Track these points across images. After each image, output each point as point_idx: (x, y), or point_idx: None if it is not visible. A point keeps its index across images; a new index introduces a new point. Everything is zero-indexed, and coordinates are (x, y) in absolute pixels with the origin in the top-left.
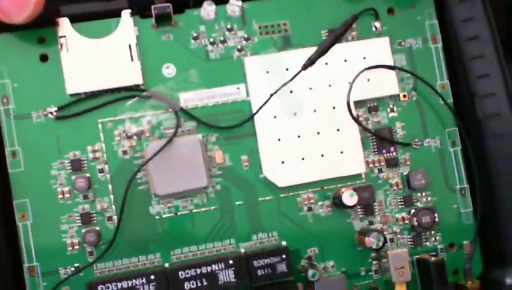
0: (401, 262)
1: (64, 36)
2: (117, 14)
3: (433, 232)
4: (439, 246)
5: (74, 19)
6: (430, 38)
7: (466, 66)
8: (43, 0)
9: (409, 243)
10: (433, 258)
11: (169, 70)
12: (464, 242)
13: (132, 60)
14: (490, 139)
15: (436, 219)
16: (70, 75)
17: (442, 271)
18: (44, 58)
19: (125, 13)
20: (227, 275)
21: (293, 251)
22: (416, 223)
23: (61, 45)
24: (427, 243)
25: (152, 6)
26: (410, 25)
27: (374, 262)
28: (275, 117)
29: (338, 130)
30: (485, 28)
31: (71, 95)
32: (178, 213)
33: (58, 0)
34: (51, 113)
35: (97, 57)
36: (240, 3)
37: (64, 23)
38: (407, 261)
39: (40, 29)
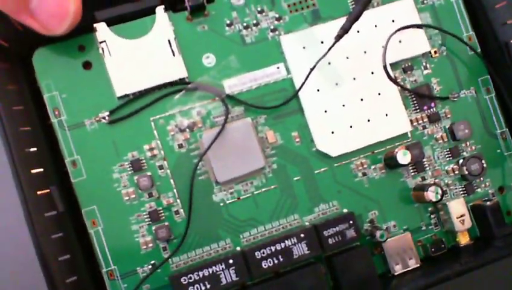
0: (461, 211)
1: (104, 41)
2: (150, 12)
3: (482, 178)
4: (490, 191)
5: (110, 23)
6: None
7: (490, 15)
8: (81, 9)
9: (462, 192)
10: (488, 203)
11: (209, 60)
12: None
13: (174, 54)
14: None
15: (484, 165)
16: (116, 78)
17: (499, 213)
18: (87, 65)
19: (160, 9)
20: (301, 249)
21: (356, 217)
22: (466, 172)
23: (103, 50)
24: (479, 190)
25: None
26: None
27: (432, 216)
28: (318, 90)
29: (379, 94)
30: None
31: (120, 97)
32: (241, 197)
33: (92, 6)
34: (104, 118)
35: (139, 57)
36: None
37: (101, 28)
38: (466, 209)
39: (78, 37)
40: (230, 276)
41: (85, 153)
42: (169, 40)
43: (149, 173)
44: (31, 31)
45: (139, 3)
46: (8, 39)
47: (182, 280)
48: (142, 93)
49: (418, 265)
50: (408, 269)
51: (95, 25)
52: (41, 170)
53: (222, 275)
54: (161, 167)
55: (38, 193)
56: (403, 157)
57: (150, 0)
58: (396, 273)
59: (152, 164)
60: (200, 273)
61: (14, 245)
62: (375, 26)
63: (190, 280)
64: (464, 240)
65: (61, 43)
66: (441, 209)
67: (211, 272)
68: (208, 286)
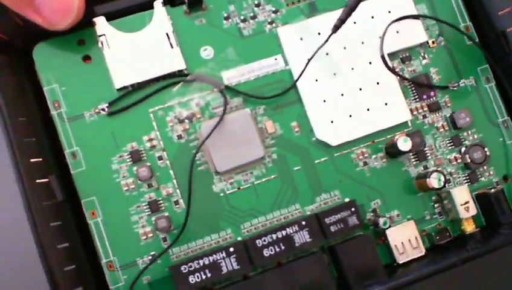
0: (465, 197)
1: (104, 34)
2: (149, 6)
3: (485, 167)
4: (494, 180)
5: (109, 18)
6: None
7: (486, 5)
8: (85, 5)
9: (465, 180)
10: (492, 190)
11: (207, 52)
12: None
13: (172, 47)
14: None
15: (488, 153)
16: (115, 70)
17: (504, 200)
18: (86, 58)
19: (158, 3)
20: (302, 236)
21: (358, 207)
22: (469, 160)
23: (102, 43)
24: (483, 179)
25: None
26: None
27: (436, 205)
28: (316, 80)
29: (378, 83)
30: None
31: (119, 89)
32: (241, 187)
33: (92, 1)
34: (103, 109)
35: (138, 49)
36: None
37: (101, 22)
38: (469, 196)
39: (78, 31)
40: (232, 264)
41: (84, 144)
42: (167, 33)
43: (148, 164)
44: (32, 25)
45: None
46: (8, 33)
47: (182, 268)
48: (141, 85)
49: (423, 253)
50: (413, 257)
51: (94, 19)
52: (40, 159)
53: (223, 264)
54: (160, 158)
55: (37, 181)
56: (404, 144)
57: None
58: (401, 262)
59: (151, 155)
60: (201, 262)
61: (12, 233)
62: (372, 17)
63: (190, 269)
64: (469, 227)
65: (61, 37)
66: (445, 198)
67: (211, 260)
68: (209, 275)
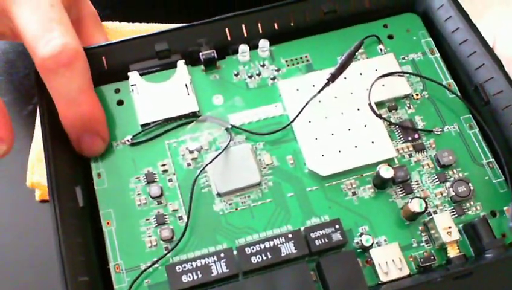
0: (447, 223)
1: (135, 84)
2: (173, 66)
3: (472, 202)
4: (481, 214)
5: (141, 74)
6: (428, 52)
7: (464, 63)
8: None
9: (452, 214)
10: (476, 219)
11: (218, 100)
12: (504, 208)
13: (188, 94)
14: (502, 111)
15: (472, 188)
16: (140, 110)
17: (488, 226)
18: (120, 103)
19: (181, 63)
20: (288, 248)
21: (346, 231)
22: (453, 193)
23: (133, 90)
24: (470, 212)
25: (200, 53)
26: (409, 44)
27: (423, 234)
28: (309, 122)
29: (365, 126)
30: (471, 32)
31: (142, 125)
32: (238, 208)
33: (129, 60)
34: (127, 140)
35: (161, 95)
36: (268, 45)
37: (134, 75)
38: (452, 221)
39: (115, 82)
40: (221, 268)
41: (109, 167)
42: (186, 84)
43: (160, 185)
44: None
45: (165, 59)
46: None
47: (177, 268)
48: (160, 123)
49: (407, 274)
50: (397, 277)
51: (129, 73)
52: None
53: (213, 267)
54: (170, 180)
55: (63, 190)
56: (386, 171)
57: (174, 56)
58: (384, 281)
59: (163, 178)
60: (194, 264)
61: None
62: (360, 74)
63: (184, 269)
64: (453, 251)
65: (102, 86)
66: (431, 228)
67: (203, 263)
68: (200, 276)
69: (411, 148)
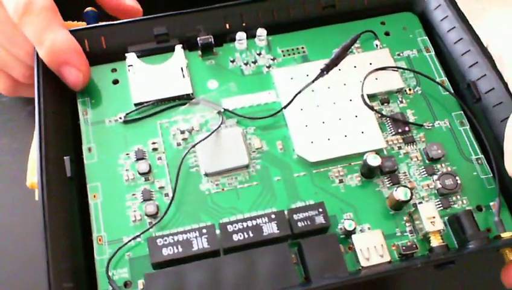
0: (431, 212)
1: (132, 65)
2: (171, 50)
3: (458, 196)
4: (467, 208)
5: (139, 56)
6: (423, 49)
7: (457, 61)
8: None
9: (438, 206)
10: (461, 211)
11: (212, 84)
12: (491, 203)
13: (184, 76)
14: (493, 109)
15: (459, 181)
16: (135, 90)
17: (472, 219)
18: (115, 82)
19: (178, 47)
20: (270, 228)
21: (330, 217)
22: (440, 186)
23: (129, 70)
24: (456, 206)
25: (198, 38)
26: (405, 42)
27: (407, 224)
28: (301, 109)
29: (356, 116)
30: (466, 31)
31: (136, 104)
32: (225, 189)
33: (127, 42)
34: (120, 118)
35: (156, 77)
36: (265, 33)
37: (131, 56)
38: (436, 211)
39: (112, 62)
40: (202, 243)
41: (100, 142)
42: (181, 67)
43: (149, 162)
44: None
45: (163, 43)
46: None
47: (158, 241)
48: (154, 103)
49: (388, 260)
50: (378, 262)
51: (126, 54)
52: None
53: (195, 242)
54: (160, 158)
55: (52, 157)
56: (373, 160)
57: (172, 41)
58: (365, 266)
59: (152, 155)
60: (175, 238)
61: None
62: (355, 67)
63: (165, 242)
64: (436, 241)
65: (100, 66)
66: (416, 219)
67: (185, 237)
68: (180, 250)
69: (401, 141)
